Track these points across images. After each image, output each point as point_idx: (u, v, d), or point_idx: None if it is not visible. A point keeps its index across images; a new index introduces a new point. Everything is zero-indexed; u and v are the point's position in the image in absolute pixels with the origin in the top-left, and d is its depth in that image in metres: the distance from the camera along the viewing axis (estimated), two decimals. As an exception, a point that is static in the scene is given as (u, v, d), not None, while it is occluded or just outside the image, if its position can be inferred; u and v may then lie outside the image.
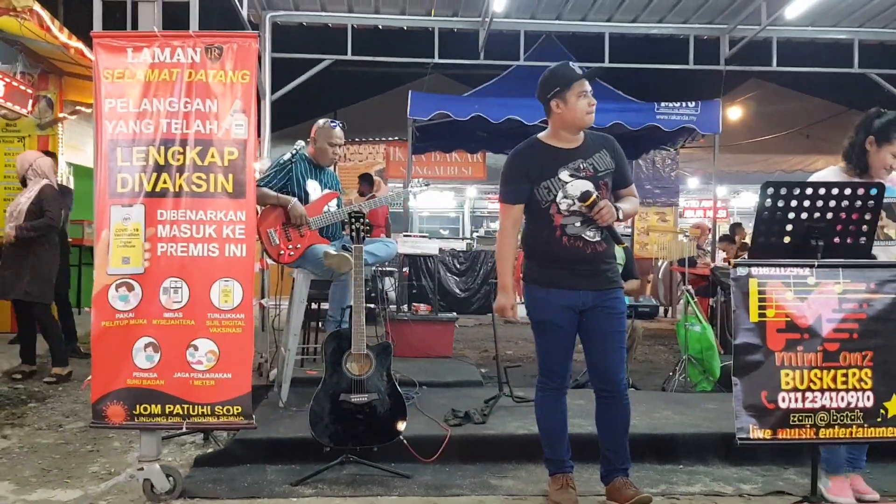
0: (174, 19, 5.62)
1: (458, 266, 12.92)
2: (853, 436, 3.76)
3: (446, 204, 28.03)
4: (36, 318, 7.68)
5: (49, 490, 4.67)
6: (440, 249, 10.46)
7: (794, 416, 3.73)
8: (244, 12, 8.76)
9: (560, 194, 4.16)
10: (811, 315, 3.76)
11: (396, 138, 15.82)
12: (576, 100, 4.20)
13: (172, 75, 4.47)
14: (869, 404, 3.75)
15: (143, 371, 4.40)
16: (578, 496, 4.33)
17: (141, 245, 4.40)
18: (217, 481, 4.72)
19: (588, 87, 4.24)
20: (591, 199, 4.08)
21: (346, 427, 4.78)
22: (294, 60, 11.05)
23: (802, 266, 3.81)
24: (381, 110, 17.18)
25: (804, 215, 3.86)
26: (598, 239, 4.19)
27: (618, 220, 4.20)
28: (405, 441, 4.92)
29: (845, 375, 3.75)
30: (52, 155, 8.60)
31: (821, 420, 3.73)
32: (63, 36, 7.85)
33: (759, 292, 3.77)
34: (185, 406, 4.41)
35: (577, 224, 4.16)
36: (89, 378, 4.44)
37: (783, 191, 3.87)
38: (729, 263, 4.14)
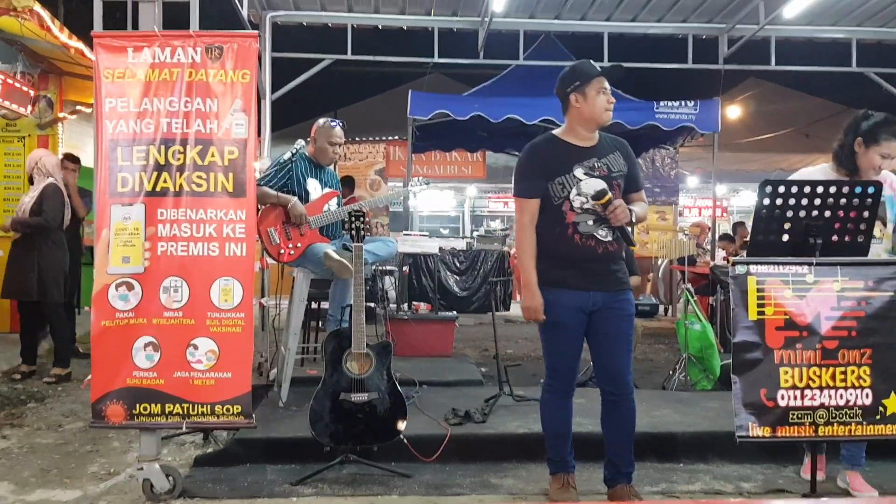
0: (174, 19, 5.62)
1: (458, 265, 12.90)
2: (852, 433, 3.77)
3: (446, 203, 28.04)
4: (46, 317, 7.71)
5: (48, 490, 4.68)
6: (440, 248, 10.46)
7: (793, 414, 3.74)
8: (244, 12, 8.76)
9: (574, 191, 4.13)
10: (810, 313, 3.78)
11: (396, 137, 15.81)
12: (595, 95, 4.18)
13: (173, 75, 4.49)
14: (868, 402, 3.76)
15: (142, 370, 4.41)
16: (579, 496, 4.34)
17: (141, 244, 4.41)
18: (217, 481, 4.73)
19: (607, 85, 4.22)
20: (606, 198, 4.05)
21: (347, 426, 4.79)
22: (294, 60, 11.05)
23: (801, 264, 3.82)
24: (381, 110, 17.17)
25: (802, 213, 3.87)
26: (609, 238, 4.16)
27: (630, 222, 4.17)
28: (405, 440, 4.93)
29: (844, 373, 3.76)
30: (76, 160, 8.56)
31: (820, 418, 3.74)
32: (63, 36, 7.85)
33: (758, 290, 3.79)
34: (185, 405, 4.42)
35: (590, 222, 4.13)
36: (89, 378, 4.45)
37: (781, 189, 3.88)
38: (728, 262, 4.15)
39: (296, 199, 5.84)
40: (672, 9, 10.42)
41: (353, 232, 5.01)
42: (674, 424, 5.52)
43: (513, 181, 4.37)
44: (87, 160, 8.87)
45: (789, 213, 3.89)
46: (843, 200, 3.86)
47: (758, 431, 3.74)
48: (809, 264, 3.82)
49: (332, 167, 6.38)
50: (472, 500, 4.53)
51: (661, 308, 14.44)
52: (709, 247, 12.17)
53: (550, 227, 4.19)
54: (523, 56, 11.13)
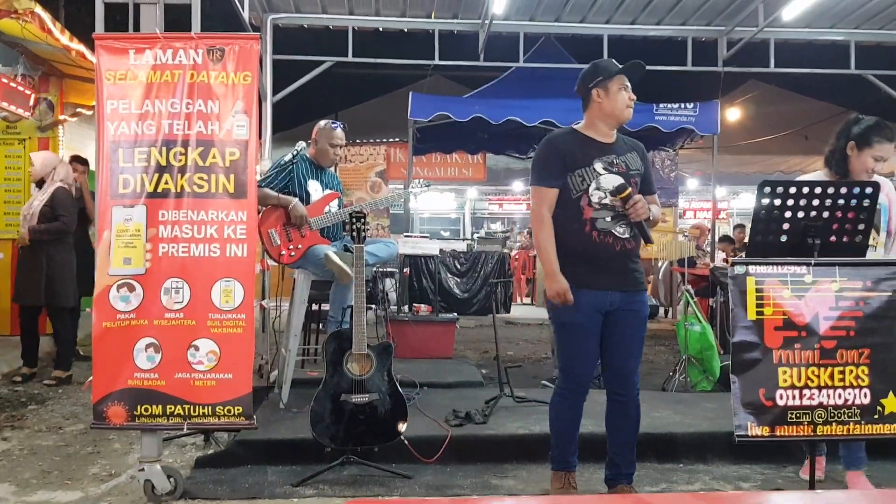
0: (176, 21, 5.64)
1: (458, 267, 12.92)
2: (850, 433, 3.78)
3: (447, 205, 28.08)
4: (51, 320, 7.72)
5: (49, 492, 4.69)
6: (441, 250, 10.48)
7: (791, 414, 3.75)
8: (245, 14, 8.78)
9: (593, 185, 4.12)
10: (808, 313, 3.79)
11: (397, 139, 15.83)
12: (617, 91, 4.19)
13: (174, 77, 4.50)
14: (866, 401, 3.77)
15: (144, 371, 4.41)
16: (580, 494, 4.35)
17: (142, 246, 4.42)
18: (218, 482, 4.74)
19: (629, 84, 4.24)
20: (627, 192, 4.04)
21: (347, 427, 4.80)
22: (295, 62, 11.06)
23: (799, 264, 3.83)
24: (382, 112, 17.19)
25: (801, 214, 3.88)
26: (627, 236, 4.14)
27: (647, 219, 4.15)
28: (406, 441, 4.94)
29: (842, 373, 3.77)
30: (85, 162, 8.57)
31: (818, 417, 3.75)
32: (64, 38, 7.87)
33: (757, 290, 3.80)
34: (186, 406, 4.43)
35: (608, 219, 4.11)
36: (90, 379, 4.46)
37: (780, 190, 3.89)
38: (728, 262, 4.17)
39: (297, 200, 5.86)
40: (671, 11, 10.44)
41: (354, 233, 5.03)
42: (674, 425, 5.53)
43: (531, 172, 4.35)
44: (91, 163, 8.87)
45: (788, 214, 3.90)
46: (840, 201, 3.88)
47: (757, 431, 3.75)
48: (808, 264, 3.84)
49: (333, 169, 6.40)
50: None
51: (661, 310, 14.46)
52: (709, 248, 12.19)
53: (568, 223, 4.16)
54: (523, 58, 11.15)
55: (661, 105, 10.13)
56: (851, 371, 3.77)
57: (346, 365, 4.85)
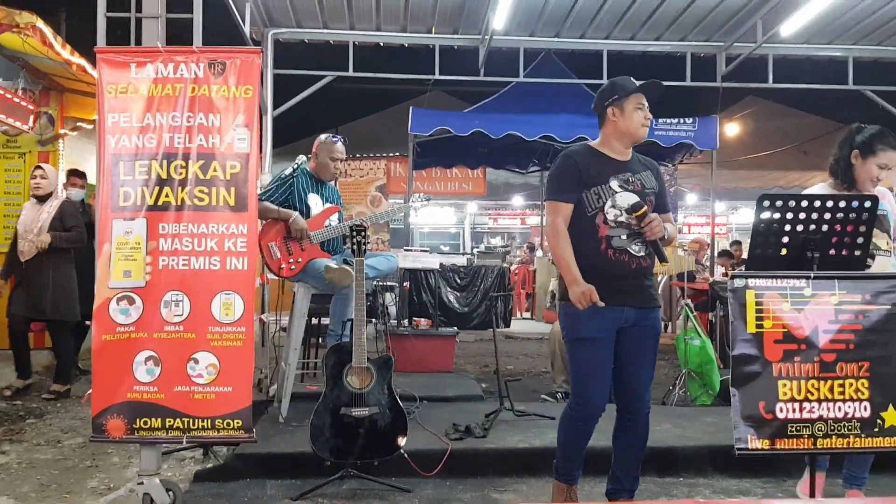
0: (178, 36, 5.66)
1: (458, 281, 12.92)
2: (850, 446, 3.77)
3: (447, 220, 28.11)
4: (52, 333, 7.69)
5: (49, 504, 4.69)
6: (441, 265, 10.49)
7: (791, 427, 3.74)
8: (246, 29, 8.83)
9: (609, 203, 4.09)
10: (808, 326, 3.78)
11: (397, 154, 15.85)
12: (633, 110, 4.17)
13: (175, 90, 4.51)
14: (866, 414, 3.76)
15: (143, 384, 4.40)
16: (580, 505, 4.35)
17: (142, 258, 4.41)
18: (217, 496, 4.74)
19: (645, 102, 4.21)
20: (642, 210, 4.01)
21: (347, 441, 4.79)
22: (295, 77, 11.11)
23: (799, 277, 3.83)
24: (382, 127, 17.25)
25: (800, 227, 3.89)
26: (642, 254, 4.11)
27: (662, 238, 4.12)
28: (406, 455, 4.94)
29: (842, 386, 3.76)
30: (83, 175, 8.56)
31: (818, 430, 3.74)
32: (65, 52, 7.89)
33: (757, 303, 3.79)
34: (186, 420, 4.41)
35: (623, 237, 4.08)
36: (89, 392, 4.45)
37: (779, 203, 3.90)
38: (728, 276, 4.16)
39: (297, 213, 5.87)
40: (670, 27, 10.48)
41: (355, 246, 5.03)
42: (674, 439, 5.53)
43: (546, 186, 4.34)
44: (88, 177, 8.88)
45: (787, 227, 3.90)
46: (840, 214, 3.88)
47: (757, 444, 3.74)
48: (807, 278, 3.84)
49: (333, 183, 6.41)
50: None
51: (661, 324, 14.46)
52: (708, 263, 12.20)
53: (583, 241, 4.11)
54: (523, 73, 11.19)
55: (661, 120, 10.18)
56: (851, 384, 3.76)
57: (346, 378, 4.85)
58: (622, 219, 4.08)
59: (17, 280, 7.68)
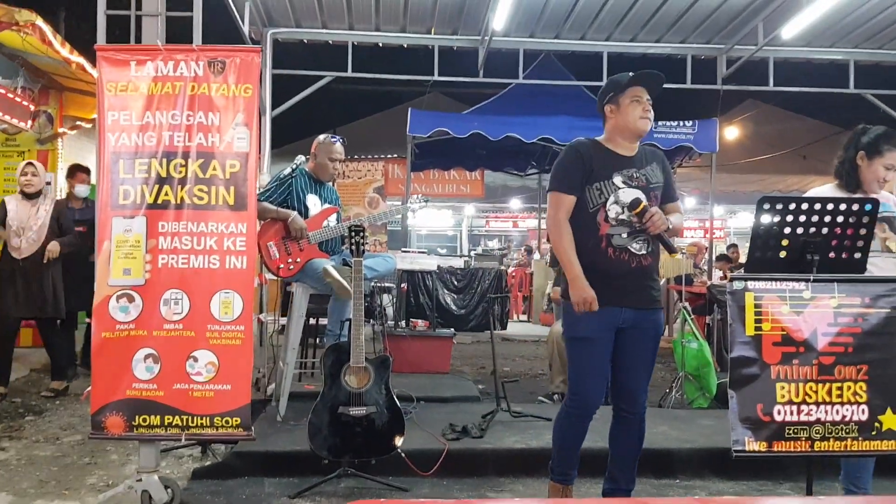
0: (177, 35, 5.66)
1: (455, 283, 12.90)
2: (848, 449, 3.78)
3: (444, 222, 28.09)
4: (48, 331, 7.64)
5: (47, 501, 4.69)
6: (438, 267, 10.48)
7: (789, 429, 3.74)
8: (245, 29, 8.83)
9: (611, 199, 4.06)
10: (807, 329, 3.78)
11: (395, 156, 15.87)
12: (628, 104, 4.14)
13: (175, 88, 4.51)
14: (864, 418, 3.76)
15: (142, 382, 4.40)
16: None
17: (142, 257, 4.42)
18: (215, 493, 4.74)
19: (643, 95, 4.17)
20: (641, 207, 3.99)
21: (345, 440, 4.80)
22: (294, 77, 11.11)
23: (798, 280, 3.84)
24: (380, 128, 17.28)
25: (800, 230, 3.89)
26: (644, 252, 4.09)
27: (668, 230, 4.09)
28: (403, 454, 4.94)
29: (840, 389, 3.76)
30: (88, 171, 8.50)
31: (816, 433, 3.74)
32: (65, 51, 7.90)
33: (756, 306, 3.79)
34: (185, 417, 4.41)
35: (624, 235, 4.06)
36: (88, 389, 4.46)
37: (779, 206, 3.90)
38: (727, 278, 4.17)
39: (296, 213, 5.86)
40: (671, 29, 10.50)
41: (353, 247, 5.03)
42: (670, 441, 5.53)
43: (550, 177, 4.27)
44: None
45: (787, 230, 3.89)
46: (840, 218, 3.87)
47: (754, 446, 3.74)
48: (807, 280, 3.84)
49: (331, 183, 6.40)
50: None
51: (663, 326, 14.45)
52: (706, 267, 12.21)
53: (583, 238, 4.10)
54: (523, 75, 11.19)
55: (660, 122, 10.18)
56: (849, 387, 3.76)
57: (345, 378, 4.85)
58: (623, 216, 4.06)
59: (7, 278, 7.39)
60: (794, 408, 3.76)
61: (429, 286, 11.96)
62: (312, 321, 7.17)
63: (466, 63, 11.24)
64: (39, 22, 7.36)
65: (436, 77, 11.05)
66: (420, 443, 5.29)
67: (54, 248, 7.40)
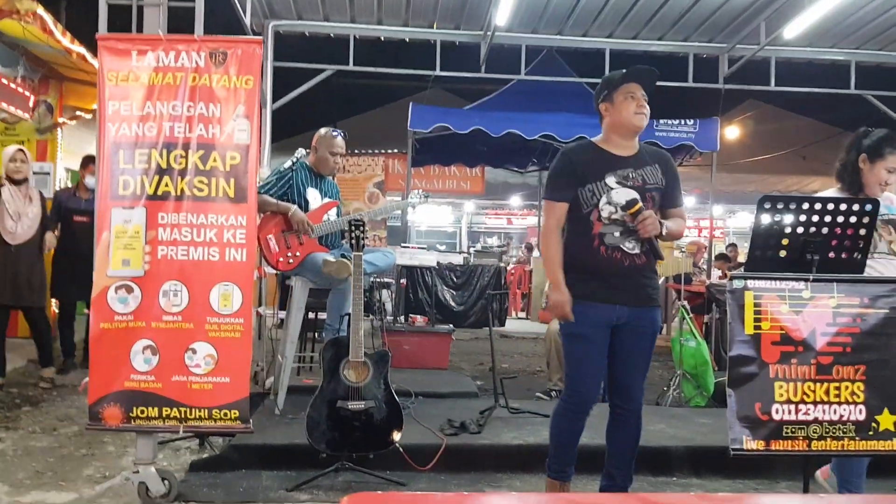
0: (178, 28, 5.64)
1: (454, 279, 12.94)
2: (845, 448, 3.78)
3: (444, 218, 28.08)
4: (35, 320, 7.59)
5: (43, 492, 4.68)
6: (437, 263, 10.49)
7: (787, 428, 3.74)
8: (247, 20, 8.81)
9: (604, 199, 4.07)
10: (805, 328, 3.78)
11: (395, 151, 15.84)
12: (622, 100, 4.15)
13: (176, 79, 4.50)
14: (861, 417, 3.76)
15: (141, 374, 4.41)
16: None
17: (141, 248, 4.42)
18: (212, 486, 4.74)
19: (637, 91, 4.18)
20: (636, 208, 3.99)
21: (343, 434, 4.80)
22: (295, 70, 11.07)
23: (798, 280, 3.83)
24: (381, 123, 17.22)
25: (800, 230, 3.88)
26: (637, 251, 4.09)
27: (660, 235, 4.10)
28: (401, 449, 4.94)
29: (838, 388, 3.76)
30: (92, 159, 8.41)
31: (813, 432, 3.74)
32: (66, 40, 7.87)
33: (755, 305, 3.79)
34: (183, 409, 4.42)
35: (616, 234, 4.06)
36: (86, 380, 4.45)
37: (780, 205, 3.89)
38: (727, 277, 4.16)
39: (296, 207, 5.85)
40: (673, 27, 10.47)
41: (353, 241, 5.03)
42: (668, 439, 5.54)
43: (545, 184, 4.36)
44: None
45: (787, 230, 3.89)
46: (840, 217, 3.87)
47: (752, 445, 3.74)
48: (806, 280, 3.84)
49: (332, 177, 6.39)
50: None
51: (660, 323, 14.44)
52: (705, 266, 12.20)
53: (577, 237, 4.14)
54: (525, 71, 11.16)
55: (661, 121, 10.16)
56: (847, 387, 3.76)
57: (343, 372, 4.85)
58: (617, 216, 4.07)
59: None
60: (792, 407, 3.75)
61: (428, 282, 12.00)
62: (311, 315, 7.17)
63: (468, 58, 11.21)
64: (41, 11, 7.34)
65: (437, 72, 11.02)
66: (418, 437, 5.29)
67: (52, 241, 7.44)
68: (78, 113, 10.25)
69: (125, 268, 4.42)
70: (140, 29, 5.07)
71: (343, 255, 5.89)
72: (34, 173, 8.06)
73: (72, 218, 8.02)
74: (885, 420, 3.80)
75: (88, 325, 5.15)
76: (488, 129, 10.15)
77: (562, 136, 9.96)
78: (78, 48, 8.10)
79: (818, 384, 3.77)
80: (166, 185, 4.47)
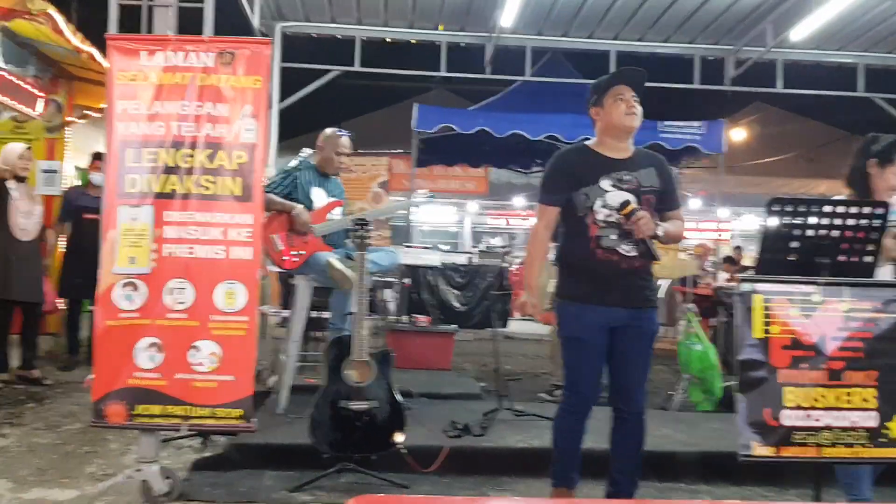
0: (185, 28, 5.64)
1: (458, 280, 12.89)
2: (856, 455, 3.74)
3: (447, 218, 28.06)
4: (32, 320, 7.61)
5: (46, 489, 4.66)
6: (441, 263, 10.47)
7: (797, 434, 3.71)
8: (255, 22, 8.81)
9: (598, 202, 4.05)
10: (816, 333, 3.75)
11: (400, 151, 15.84)
12: (612, 103, 4.14)
13: (185, 79, 4.49)
14: (873, 424, 3.73)
15: (144, 371, 4.38)
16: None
17: (148, 245, 4.40)
18: (215, 485, 4.72)
19: (626, 92, 4.17)
20: (629, 208, 3.97)
21: (345, 434, 4.78)
22: (301, 71, 11.08)
23: (808, 283, 3.80)
24: (385, 123, 17.22)
25: (810, 233, 3.86)
26: (634, 254, 4.07)
27: (657, 237, 4.08)
28: (404, 451, 4.91)
29: (849, 394, 3.72)
30: (99, 156, 8.41)
31: (824, 439, 3.70)
32: (76, 40, 7.86)
33: (765, 308, 3.76)
34: (186, 407, 4.39)
35: (613, 237, 4.04)
36: (90, 377, 4.44)
37: (789, 208, 3.87)
38: (735, 280, 4.10)
39: (301, 206, 5.84)
40: (679, 29, 10.46)
41: (357, 240, 5.01)
42: (675, 444, 5.51)
43: (539, 187, 4.33)
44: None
45: (797, 233, 3.87)
46: (850, 221, 3.85)
47: (761, 451, 3.70)
48: (816, 284, 3.80)
49: (337, 177, 6.38)
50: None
51: (662, 329, 14.40)
52: (711, 269, 12.16)
53: (574, 241, 4.13)
54: (530, 72, 11.14)
55: (667, 122, 10.12)
56: (859, 393, 3.74)
57: (346, 372, 4.83)
58: (612, 218, 4.06)
59: (4, 261, 7.25)
60: (803, 413, 3.72)
61: (431, 282, 11.95)
62: (314, 314, 7.14)
63: (473, 60, 11.21)
64: (52, 11, 7.33)
65: (443, 73, 11.02)
66: (421, 439, 5.25)
67: (52, 237, 7.45)
68: (87, 112, 10.23)
69: (131, 265, 4.40)
70: (150, 29, 5.07)
71: (347, 255, 5.87)
72: (43, 171, 8.16)
73: (82, 215, 8.02)
74: (896, 426, 3.76)
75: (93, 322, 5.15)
76: (493, 129, 10.13)
77: (566, 137, 9.91)
78: (88, 48, 8.08)
79: (829, 390, 3.73)
80: (173, 184, 4.46)
